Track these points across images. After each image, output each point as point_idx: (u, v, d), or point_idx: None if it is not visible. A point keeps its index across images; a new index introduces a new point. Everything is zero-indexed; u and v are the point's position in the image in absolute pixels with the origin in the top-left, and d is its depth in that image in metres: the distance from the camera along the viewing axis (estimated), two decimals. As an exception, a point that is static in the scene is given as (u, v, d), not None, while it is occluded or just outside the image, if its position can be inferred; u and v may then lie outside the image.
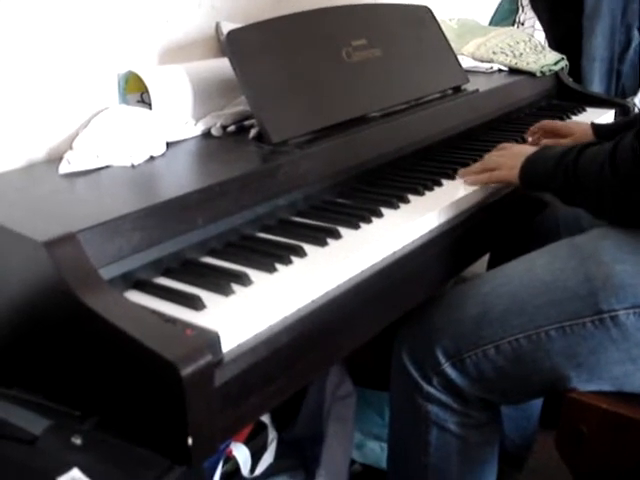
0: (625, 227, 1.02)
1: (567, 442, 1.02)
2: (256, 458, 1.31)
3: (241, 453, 1.27)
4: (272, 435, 1.37)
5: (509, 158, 1.19)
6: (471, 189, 1.18)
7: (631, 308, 0.95)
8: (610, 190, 0.98)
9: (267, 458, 1.36)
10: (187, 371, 0.65)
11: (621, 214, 1.01)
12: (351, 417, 1.43)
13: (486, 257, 1.67)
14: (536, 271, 1.05)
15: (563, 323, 0.98)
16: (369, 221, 1.04)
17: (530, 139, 1.47)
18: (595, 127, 1.41)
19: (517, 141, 1.45)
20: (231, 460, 1.26)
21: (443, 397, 1.09)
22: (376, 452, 1.55)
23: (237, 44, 1.14)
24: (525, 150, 1.18)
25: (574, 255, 1.02)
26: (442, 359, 1.06)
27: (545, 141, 1.41)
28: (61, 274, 0.73)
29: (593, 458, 1.01)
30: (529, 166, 1.13)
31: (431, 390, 1.09)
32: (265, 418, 1.36)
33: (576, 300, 0.98)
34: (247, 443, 1.29)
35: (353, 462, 1.53)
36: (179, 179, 1.06)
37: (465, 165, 1.28)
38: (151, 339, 0.68)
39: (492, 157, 1.23)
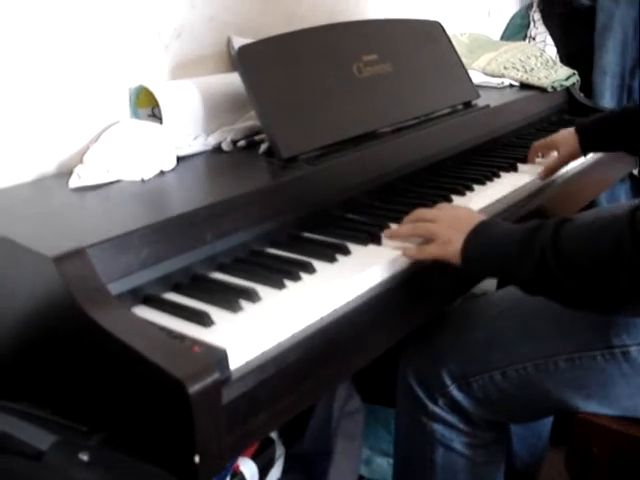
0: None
1: (577, 463, 1.01)
2: (263, 473, 1.31)
3: (248, 468, 1.26)
4: (280, 450, 1.36)
5: (444, 227, 0.95)
6: (483, 205, 1.17)
7: None
8: (628, 267, 0.77)
9: (274, 473, 1.35)
10: (194, 389, 0.65)
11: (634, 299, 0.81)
12: (359, 433, 1.42)
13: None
14: None
15: (573, 354, 0.96)
16: (379, 237, 1.03)
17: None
18: (578, 127, 1.39)
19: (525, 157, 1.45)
20: (238, 475, 1.25)
21: (449, 417, 1.08)
22: (384, 468, 1.54)
23: (248, 59, 1.14)
24: (463, 220, 0.95)
25: None
26: (448, 381, 1.05)
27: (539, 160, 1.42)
28: (69, 289, 0.73)
29: (603, 479, 0.99)
30: (476, 248, 0.92)
31: (437, 410, 1.08)
32: (273, 433, 1.35)
33: (587, 331, 0.96)
34: (254, 458, 1.28)
35: (361, 478, 1.52)
36: (189, 194, 1.06)
37: (476, 181, 1.28)
38: (158, 356, 0.67)
39: (422, 224, 1.00)
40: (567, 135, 1.39)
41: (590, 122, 1.39)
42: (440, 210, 1.02)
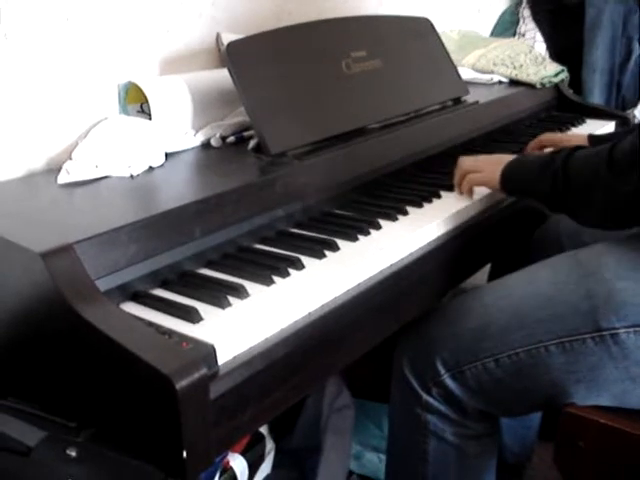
0: (607, 229, 1.06)
1: (565, 456, 1.02)
2: (253, 469, 1.31)
3: (238, 464, 1.27)
4: (270, 446, 1.37)
5: (488, 164, 1.19)
6: (470, 201, 1.18)
7: (631, 327, 0.93)
8: (603, 187, 0.97)
9: (264, 469, 1.36)
10: (182, 384, 0.65)
11: (608, 214, 1.00)
12: (349, 429, 1.42)
13: (486, 268, 1.67)
14: (538, 284, 1.04)
15: (563, 339, 0.98)
16: (367, 233, 1.04)
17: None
18: (592, 139, 1.40)
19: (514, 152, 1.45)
20: (228, 471, 1.25)
21: (442, 407, 1.08)
22: (374, 463, 1.55)
23: (237, 55, 1.14)
24: (502, 157, 1.18)
25: (576, 270, 1.01)
26: (442, 370, 1.06)
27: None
28: (57, 285, 0.73)
29: (591, 473, 1.00)
30: (511, 171, 1.14)
31: (430, 400, 1.09)
32: (263, 429, 1.36)
33: (577, 316, 0.97)
34: (244, 454, 1.29)
35: (351, 473, 1.52)
36: (177, 190, 1.06)
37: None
38: (146, 352, 0.68)
39: (467, 162, 1.23)
40: (583, 140, 1.40)
41: (606, 139, 1.39)
42: (480, 157, 1.25)
